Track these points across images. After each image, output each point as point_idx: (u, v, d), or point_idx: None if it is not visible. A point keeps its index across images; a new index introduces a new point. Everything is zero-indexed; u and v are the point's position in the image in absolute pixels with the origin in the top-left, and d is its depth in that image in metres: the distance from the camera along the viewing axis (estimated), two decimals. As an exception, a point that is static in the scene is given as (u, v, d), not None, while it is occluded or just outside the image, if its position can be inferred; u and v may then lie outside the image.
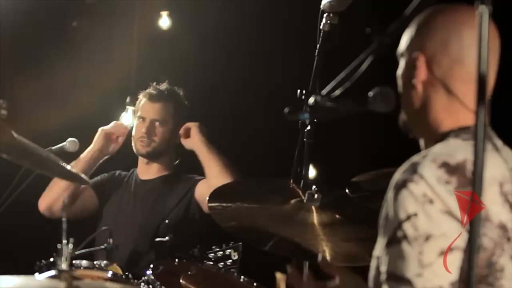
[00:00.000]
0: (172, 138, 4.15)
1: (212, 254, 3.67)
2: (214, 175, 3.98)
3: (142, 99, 4.19)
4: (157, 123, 4.12)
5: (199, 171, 4.14)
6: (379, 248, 1.89)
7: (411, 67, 1.99)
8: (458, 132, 1.95)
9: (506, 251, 1.87)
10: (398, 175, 1.88)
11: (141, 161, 4.21)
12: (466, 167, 1.85)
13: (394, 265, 1.82)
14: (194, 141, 4.08)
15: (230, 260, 3.54)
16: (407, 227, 1.81)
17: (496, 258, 1.86)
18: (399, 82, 2.05)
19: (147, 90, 4.19)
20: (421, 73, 1.97)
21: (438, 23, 1.98)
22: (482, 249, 1.85)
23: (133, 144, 4.17)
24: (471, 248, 1.61)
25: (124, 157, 4.33)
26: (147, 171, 4.20)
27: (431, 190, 1.82)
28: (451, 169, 1.85)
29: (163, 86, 4.21)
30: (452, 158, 1.87)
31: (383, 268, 1.85)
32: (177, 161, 4.24)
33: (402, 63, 2.04)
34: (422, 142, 2.05)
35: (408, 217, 1.81)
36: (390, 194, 1.87)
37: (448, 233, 1.81)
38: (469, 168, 1.85)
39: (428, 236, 1.80)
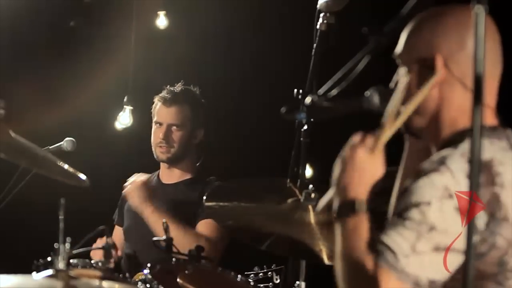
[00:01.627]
0: (191, 140, 4.08)
1: (253, 275, 3.66)
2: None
3: (157, 103, 4.08)
4: (174, 128, 4.03)
5: (221, 172, 4.11)
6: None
7: (426, 68, 1.98)
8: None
9: None
10: (426, 164, 1.88)
11: (163, 165, 4.15)
12: (491, 166, 1.87)
13: (389, 237, 1.83)
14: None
15: (271, 283, 3.53)
16: (416, 212, 1.82)
17: (508, 258, 1.87)
18: (406, 86, 1.99)
19: (161, 94, 4.08)
20: (441, 73, 1.96)
21: (453, 23, 1.99)
22: (495, 248, 1.85)
23: (153, 150, 4.10)
24: (468, 250, 1.61)
25: (147, 159, 4.30)
26: (169, 175, 4.13)
27: (455, 183, 1.83)
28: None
29: (178, 88, 4.08)
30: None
31: (382, 233, 1.86)
32: (198, 163, 4.15)
33: (405, 68, 2.02)
34: (434, 149, 2.02)
35: (421, 203, 1.83)
36: (413, 178, 1.88)
37: (450, 232, 1.82)
38: (494, 168, 1.86)
39: (432, 227, 1.81)
